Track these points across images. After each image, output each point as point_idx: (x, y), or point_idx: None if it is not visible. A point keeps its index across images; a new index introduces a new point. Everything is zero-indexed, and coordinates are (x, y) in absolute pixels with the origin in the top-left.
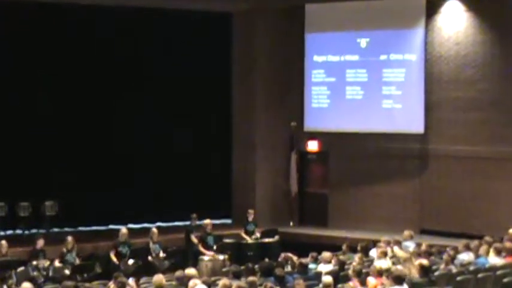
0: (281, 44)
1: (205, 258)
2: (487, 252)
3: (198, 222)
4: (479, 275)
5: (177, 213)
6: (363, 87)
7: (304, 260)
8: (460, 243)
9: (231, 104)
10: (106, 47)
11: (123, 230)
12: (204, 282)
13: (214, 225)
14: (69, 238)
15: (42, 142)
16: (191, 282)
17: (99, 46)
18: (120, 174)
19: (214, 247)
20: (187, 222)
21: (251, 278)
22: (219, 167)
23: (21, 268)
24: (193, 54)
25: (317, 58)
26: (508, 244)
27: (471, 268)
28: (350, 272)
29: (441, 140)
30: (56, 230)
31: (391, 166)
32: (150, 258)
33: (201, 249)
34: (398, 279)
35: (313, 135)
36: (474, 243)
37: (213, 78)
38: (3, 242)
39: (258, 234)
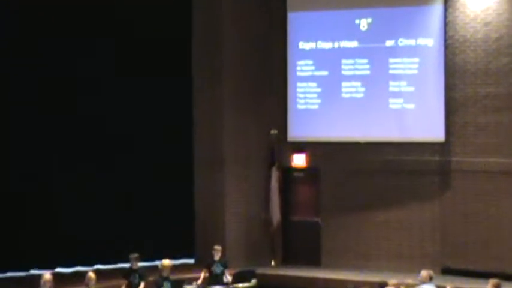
0: (256, 26)
1: None
2: None
3: (148, 264)
4: None
5: (122, 252)
6: (364, 82)
7: None
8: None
9: (192, 107)
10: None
11: (46, 275)
12: None
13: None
14: None
15: None
16: None
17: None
18: (45, 203)
19: None
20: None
21: None
22: (177, 189)
23: None
24: (142, 40)
25: (304, 45)
26: None
27: None
28: None
29: (467, 150)
30: None
31: (402, 185)
32: None
33: None
34: None
35: (299, 147)
36: None
37: (167, 73)
38: None
39: (228, 278)
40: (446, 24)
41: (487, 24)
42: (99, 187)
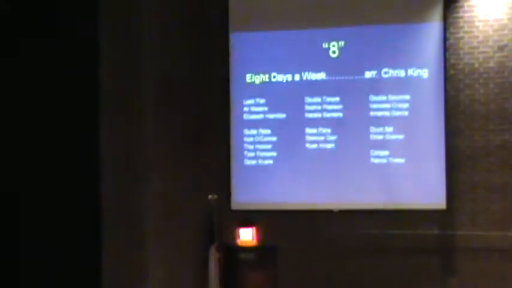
0: (188, 52)
1: None
2: None
3: None
4: None
5: None
6: (335, 128)
7: None
8: None
9: (99, 159)
10: None
11: None
12: None
13: None
14: None
15: None
16: None
17: None
18: None
19: None
20: None
21: None
22: (81, 275)
23: None
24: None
25: (253, 78)
26: None
27: None
28: None
29: (477, 220)
30: None
31: (390, 269)
32: None
33: None
34: None
35: (248, 218)
36: None
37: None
38: None
39: None
40: (446, 48)
41: (501, 48)
42: None
